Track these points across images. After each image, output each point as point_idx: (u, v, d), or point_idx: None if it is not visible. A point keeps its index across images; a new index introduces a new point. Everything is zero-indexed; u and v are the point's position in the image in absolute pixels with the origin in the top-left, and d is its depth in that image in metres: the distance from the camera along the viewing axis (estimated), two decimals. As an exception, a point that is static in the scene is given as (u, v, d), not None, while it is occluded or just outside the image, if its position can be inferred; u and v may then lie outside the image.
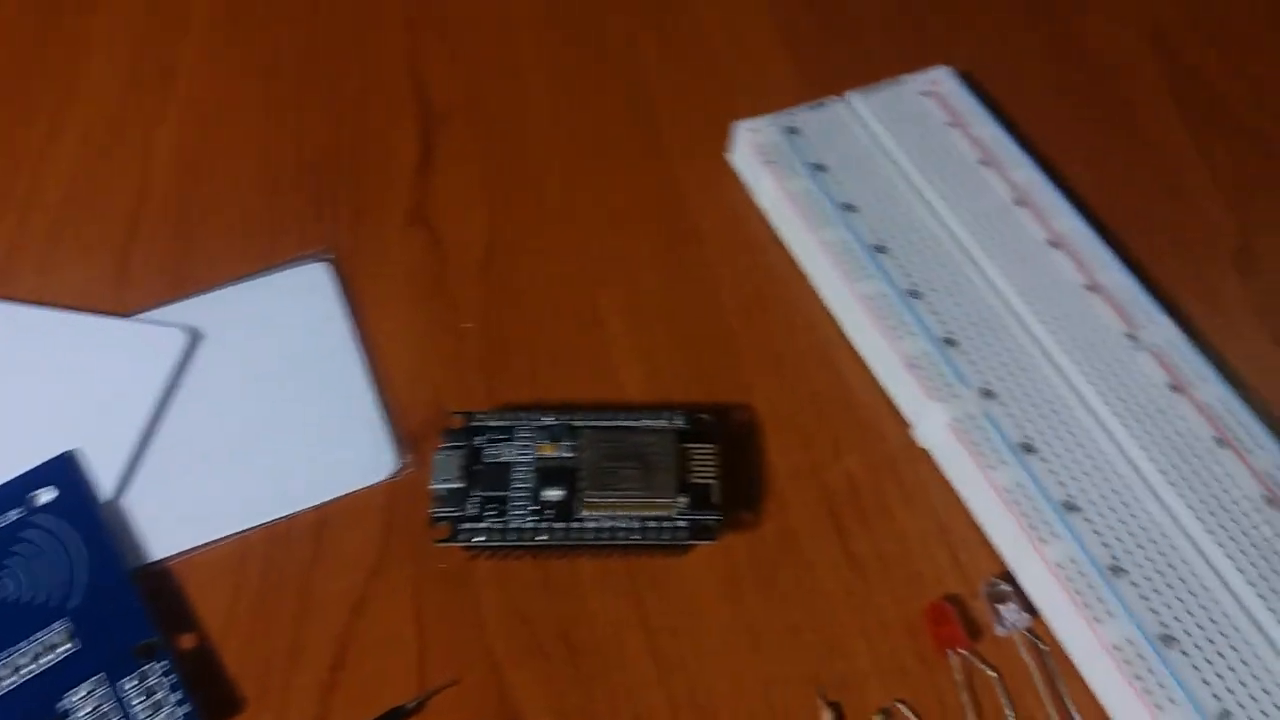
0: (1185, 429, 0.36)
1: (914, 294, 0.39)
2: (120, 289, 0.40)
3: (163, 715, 0.31)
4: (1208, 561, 0.33)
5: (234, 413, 0.37)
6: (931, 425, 0.36)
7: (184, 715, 0.31)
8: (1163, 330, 0.38)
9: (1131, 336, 0.38)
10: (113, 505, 0.35)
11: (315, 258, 0.41)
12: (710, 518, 0.34)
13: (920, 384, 0.36)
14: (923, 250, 0.40)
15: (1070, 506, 0.34)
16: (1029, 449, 0.35)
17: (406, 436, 0.37)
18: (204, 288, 0.40)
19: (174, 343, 0.38)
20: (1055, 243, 0.40)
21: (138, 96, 0.46)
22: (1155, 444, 0.35)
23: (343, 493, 0.36)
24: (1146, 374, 0.37)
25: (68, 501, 0.35)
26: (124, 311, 0.40)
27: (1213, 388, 0.37)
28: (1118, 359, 0.37)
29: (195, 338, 0.39)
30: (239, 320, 0.39)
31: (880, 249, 0.40)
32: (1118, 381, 0.37)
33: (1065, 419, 0.36)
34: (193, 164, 0.44)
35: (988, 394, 0.36)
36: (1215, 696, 0.30)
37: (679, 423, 0.35)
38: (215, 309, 0.40)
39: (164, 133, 0.45)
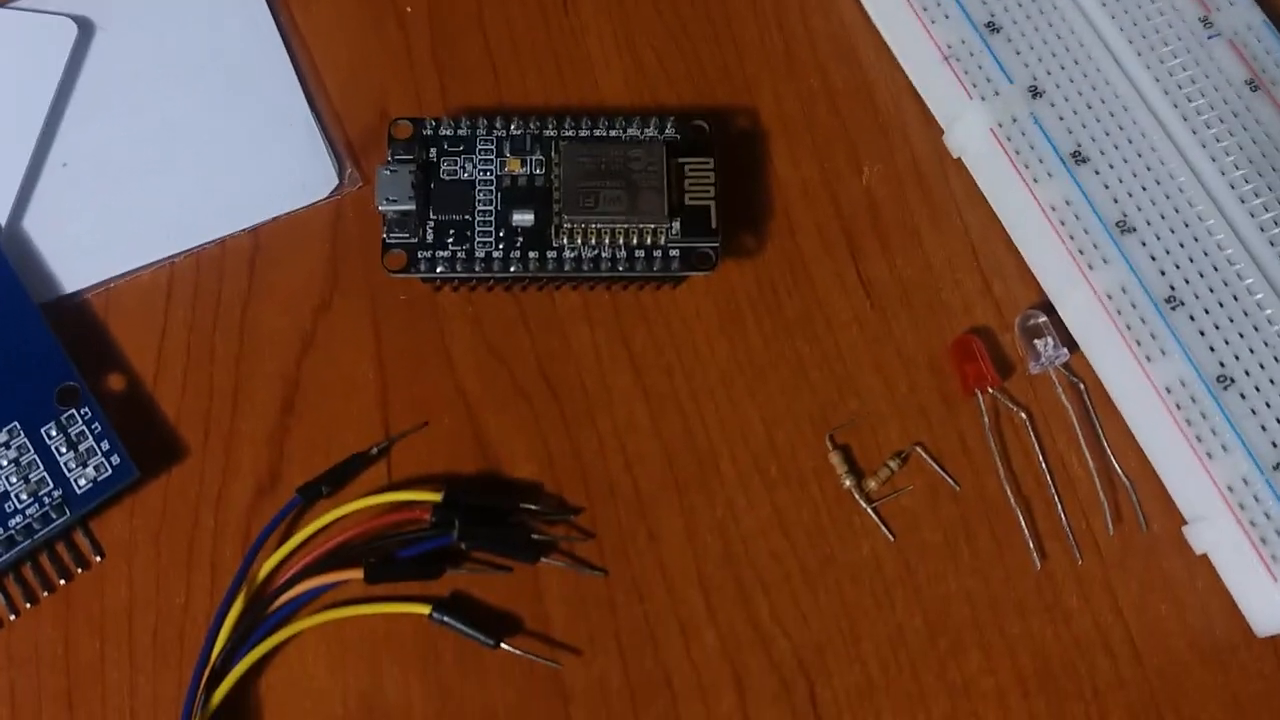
0: (1263, 136, 0.31)
1: (950, -32, 0.33)
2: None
3: (91, 465, 0.29)
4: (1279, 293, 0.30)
5: (140, 121, 0.33)
6: (968, 129, 0.32)
7: (115, 464, 0.29)
8: (1244, 12, 0.33)
9: (1206, 21, 0.33)
10: (9, 232, 0.32)
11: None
12: (707, 244, 0.31)
13: (957, 79, 0.32)
14: (960, -89, 0.34)
15: (1125, 227, 0.30)
16: (1080, 159, 0.31)
17: (347, 148, 0.33)
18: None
19: (62, 35, 0.33)
20: (1117, -100, 0.34)
21: None
22: (1228, 154, 0.31)
23: (277, 214, 0.32)
24: (1222, 68, 0.32)
25: (-49, 229, 0.31)
26: (-5, -3, 0.34)
27: (1300, 86, 0.32)
28: (1188, 50, 0.32)
29: (87, 29, 0.34)
30: (136, 7, 0.34)
31: (909, -90, 0.34)
32: (1187, 78, 0.32)
33: (1124, 124, 0.32)
34: None
35: (1035, 92, 0.32)
36: (1274, 443, 0.28)
37: (669, 131, 0.32)
38: (105, -7, 0.34)
39: None
